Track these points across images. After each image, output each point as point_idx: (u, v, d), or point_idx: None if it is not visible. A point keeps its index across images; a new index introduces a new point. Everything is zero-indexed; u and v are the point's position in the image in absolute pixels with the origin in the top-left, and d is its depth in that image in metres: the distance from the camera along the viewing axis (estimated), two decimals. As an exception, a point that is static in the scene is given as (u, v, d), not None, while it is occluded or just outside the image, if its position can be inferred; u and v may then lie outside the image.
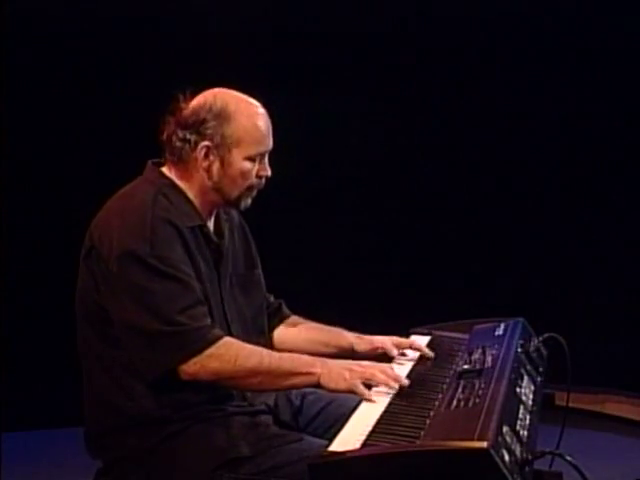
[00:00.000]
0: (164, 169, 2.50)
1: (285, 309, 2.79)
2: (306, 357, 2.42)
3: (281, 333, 2.75)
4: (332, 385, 2.33)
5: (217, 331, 2.34)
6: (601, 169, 4.86)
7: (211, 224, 2.53)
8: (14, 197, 4.67)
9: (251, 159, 2.45)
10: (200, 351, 2.29)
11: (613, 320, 4.78)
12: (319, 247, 4.92)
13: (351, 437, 2.08)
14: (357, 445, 2.03)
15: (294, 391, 2.66)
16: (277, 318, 2.76)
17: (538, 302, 4.65)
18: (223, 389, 2.41)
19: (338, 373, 2.34)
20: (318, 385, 2.34)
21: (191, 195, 2.46)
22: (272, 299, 2.77)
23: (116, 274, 2.31)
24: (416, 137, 5.01)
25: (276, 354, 2.43)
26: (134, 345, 2.32)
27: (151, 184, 2.45)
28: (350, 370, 2.35)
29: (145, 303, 2.29)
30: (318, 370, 2.34)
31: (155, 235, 2.32)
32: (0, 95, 4.55)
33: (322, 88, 4.88)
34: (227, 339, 2.35)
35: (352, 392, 2.33)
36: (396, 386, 2.34)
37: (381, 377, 2.35)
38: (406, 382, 2.36)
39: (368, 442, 2.05)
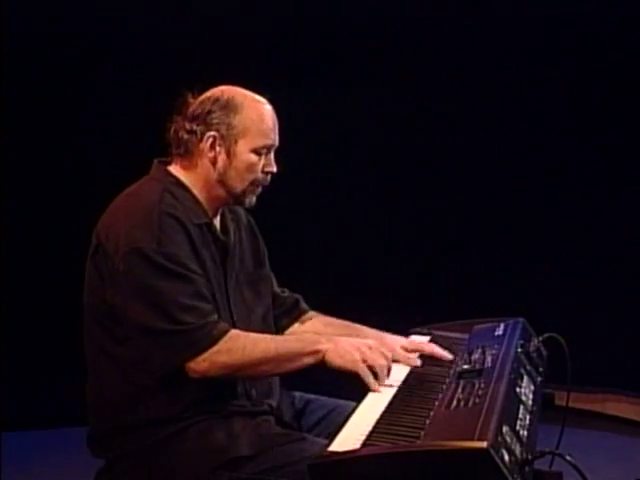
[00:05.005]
0: (170, 167, 2.51)
1: (303, 305, 2.77)
2: (311, 336, 2.43)
3: (299, 328, 2.74)
4: (338, 361, 2.32)
5: (223, 326, 2.34)
6: (600, 170, 4.86)
7: (217, 222, 2.53)
8: (19, 195, 4.68)
9: (257, 152, 2.46)
10: (207, 348, 2.30)
11: (613, 320, 4.78)
12: (319, 246, 4.92)
13: (351, 437, 2.08)
14: (357, 445, 2.02)
15: (297, 395, 2.68)
16: (295, 314, 2.75)
17: (538, 302, 4.64)
18: (228, 388, 2.42)
19: (346, 350, 2.34)
20: (323, 362, 2.33)
21: (197, 191, 2.47)
22: (287, 293, 2.76)
23: (123, 271, 2.31)
24: (418, 135, 5.01)
25: (281, 338, 2.45)
26: (141, 343, 2.33)
27: (157, 182, 2.46)
28: (359, 350, 2.35)
29: (151, 301, 2.30)
30: (324, 346, 2.34)
31: (162, 232, 2.33)
32: (7, 91, 4.56)
33: (324, 85, 4.88)
34: (233, 332, 2.35)
35: (357, 374, 2.33)
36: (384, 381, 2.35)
37: (382, 370, 2.35)
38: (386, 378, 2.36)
39: (368, 442, 2.04)
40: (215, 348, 2.30)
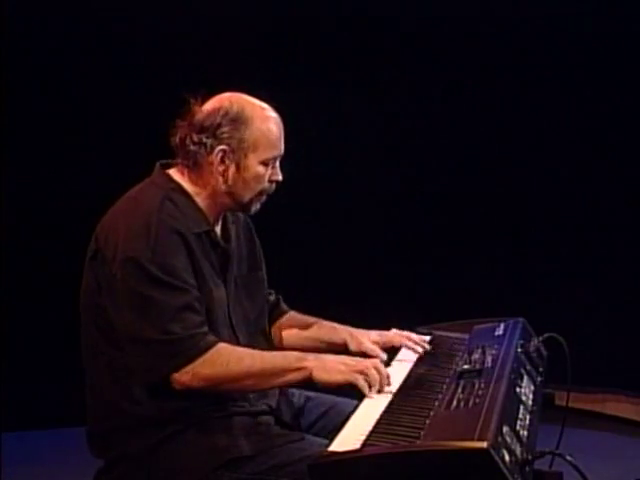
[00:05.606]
0: (172, 172, 2.49)
1: (283, 305, 2.79)
2: (297, 353, 2.43)
3: (276, 331, 2.75)
4: (326, 377, 2.32)
5: (210, 338, 2.34)
6: (601, 169, 4.86)
7: (218, 228, 2.53)
8: (20, 198, 4.68)
9: (265, 163, 2.46)
10: (192, 360, 2.29)
11: (613, 320, 4.78)
12: (319, 246, 4.92)
13: (351, 437, 2.08)
14: (357, 445, 2.03)
15: (296, 393, 2.68)
16: (275, 314, 2.76)
17: (538, 302, 4.64)
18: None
19: (332, 366, 2.34)
20: (311, 379, 2.34)
21: (199, 199, 2.46)
22: (273, 297, 2.77)
23: (118, 279, 2.32)
24: (418, 135, 5.02)
25: (267, 353, 2.44)
26: (131, 351, 2.33)
27: (159, 188, 2.45)
28: (345, 364, 2.35)
29: (141, 310, 2.30)
30: (310, 364, 2.34)
31: (158, 242, 2.32)
32: (9, 92, 4.56)
33: (324, 86, 4.88)
34: (220, 345, 2.34)
35: (349, 384, 2.33)
36: (385, 387, 2.35)
37: (374, 375, 2.35)
38: (391, 385, 2.36)
39: (368, 442, 2.04)
40: (200, 360, 2.30)
